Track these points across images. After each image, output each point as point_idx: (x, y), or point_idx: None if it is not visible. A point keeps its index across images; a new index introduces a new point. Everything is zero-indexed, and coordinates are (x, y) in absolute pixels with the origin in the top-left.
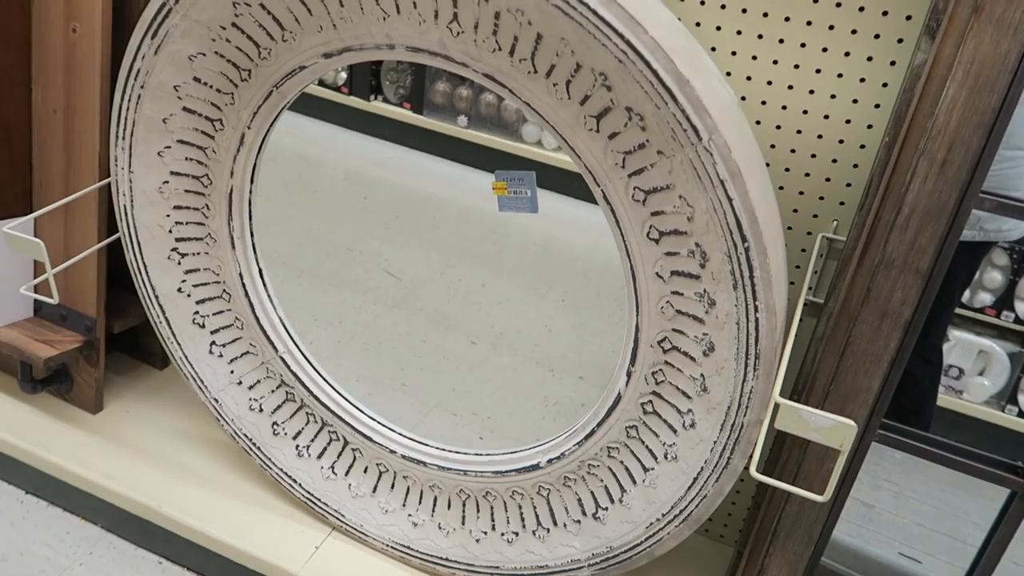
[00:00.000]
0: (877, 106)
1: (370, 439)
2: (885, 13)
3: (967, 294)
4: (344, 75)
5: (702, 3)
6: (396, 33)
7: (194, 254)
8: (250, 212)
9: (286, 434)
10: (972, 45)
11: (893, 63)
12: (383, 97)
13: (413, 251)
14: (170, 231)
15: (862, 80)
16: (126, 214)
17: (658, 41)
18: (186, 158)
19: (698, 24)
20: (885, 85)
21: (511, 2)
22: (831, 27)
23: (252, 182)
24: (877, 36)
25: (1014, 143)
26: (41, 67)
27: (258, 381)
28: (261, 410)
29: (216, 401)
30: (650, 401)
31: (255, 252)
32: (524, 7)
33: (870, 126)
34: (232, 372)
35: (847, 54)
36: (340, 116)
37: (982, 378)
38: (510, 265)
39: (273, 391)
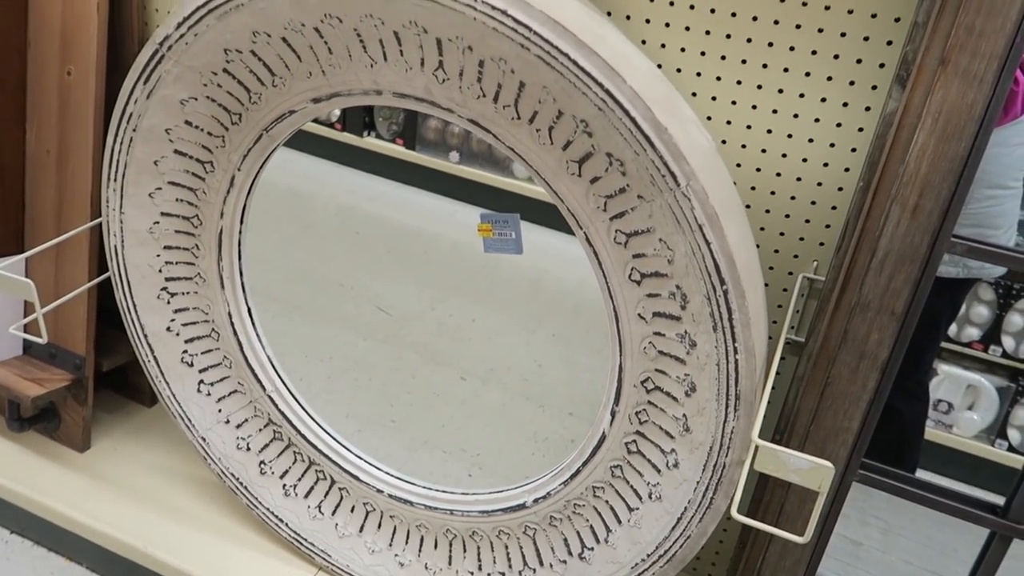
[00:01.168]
0: (854, 150)
1: (357, 478)
2: (859, 61)
3: (954, 328)
4: (338, 112)
5: (682, 50)
6: (383, 79)
7: (183, 293)
8: (239, 252)
9: (273, 473)
10: (940, 95)
11: (868, 108)
12: (376, 133)
13: (404, 286)
14: (160, 271)
15: (838, 125)
16: (116, 254)
17: (636, 90)
18: (177, 199)
19: (679, 70)
20: (861, 130)
21: (494, 51)
22: (807, 74)
23: (242, 222)
24: (852, 83)
25: (995, 182)
26: (36, 108)
27: (246, 420)
28: (248, 449)
29: (203, 440)
30: (634, 441)
31: (244, 291)
32: (507, 56)
33: (847, 169)
34: (220, 411)
35: (823, 100)
36: (334, 152)
37: (971, 412)
38: (501, 300)
39: (260, 430)
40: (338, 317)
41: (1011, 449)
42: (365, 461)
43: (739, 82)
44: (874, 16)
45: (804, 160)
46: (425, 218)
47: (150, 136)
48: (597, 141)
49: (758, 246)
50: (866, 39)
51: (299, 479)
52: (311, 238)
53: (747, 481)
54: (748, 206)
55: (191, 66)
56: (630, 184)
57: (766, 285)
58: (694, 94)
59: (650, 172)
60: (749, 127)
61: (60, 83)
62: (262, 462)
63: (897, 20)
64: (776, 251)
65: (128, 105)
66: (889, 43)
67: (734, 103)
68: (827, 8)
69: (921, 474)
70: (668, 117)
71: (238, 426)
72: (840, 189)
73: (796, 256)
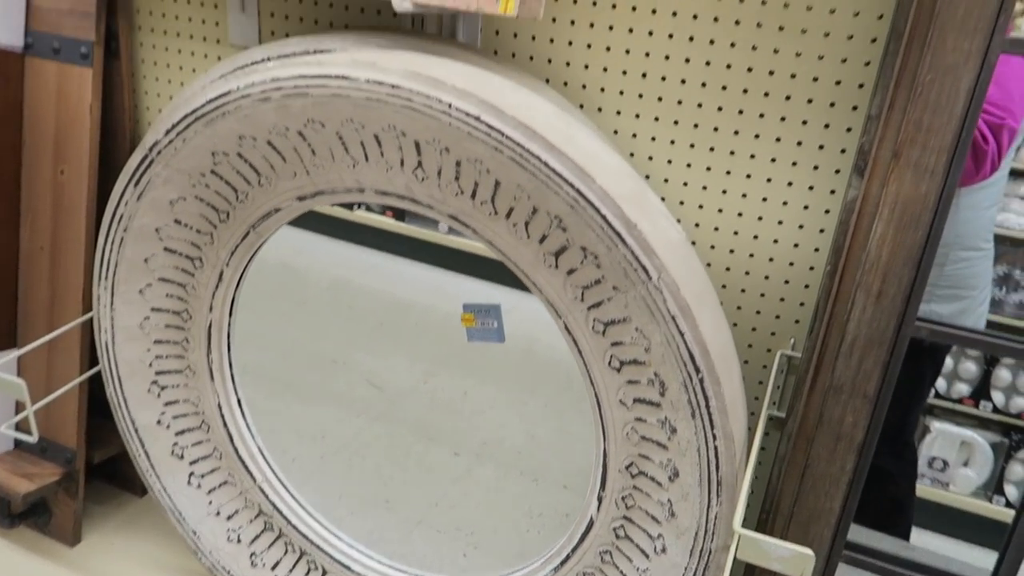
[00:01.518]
0: (822, 231)
1: (348, 568)
2: (821, 147)
3: (944, 385)
4: None
5: (653, 139)
6: (365, 178)
7: (173, 386)
8: (229, 344)
9: (264, 565)
10: (895, 187)
11: (833, 192)
12: (366, 206)
13: (396, 360)
14: (150, 365)
15: (806, 207)
16: (107, 350)
17: (606, 189)
18: (167, 295)
19: (651, 158)
20: (827, 212)
21: (470, 153)
22: (773, 159)
23: (231, 315)
24: (816, 167)
25: (968, 244)
26: (30, 206)
27: (236, 511)
28: (239, 541)
29: (194, 533)
30: (622, 526)
31: (234, 383)
32: (482, 157)
33: (817, 249)
34: (210, 503)
35: (790, 184)
36: (325, 225)
37: (967, 469)
38: (492, 371)
39: (251, 521)
40: (330, 395)
41: (1008, 505)
42: (357, 549)
43: (708, 168)
44: (832, 105)
45: (775, 241)
46: (416, 289)
47: (140, 236)
48: (571, 236)
49: (735, 325)
50: (827, 126)
51: (291, 570)
52: (303, 314)
53: (734, 567)
54: (724, 286)
55: (180, 169)
56: (605, 276)
57: (745, 362)
58: (666, 180)
59: (623, 265)
60: (720, 211)
61: (53, 182)
62: (253, 553)
63: (855, 108)
64: (753, 329)
65: (119, 207)
66: (848, 130)
67: (705, 188)
68: (788, 98)
69: (920, 534)
70: (638, 213)
71: (229, 517)
72: (811, 268)
73: (773, 334)
